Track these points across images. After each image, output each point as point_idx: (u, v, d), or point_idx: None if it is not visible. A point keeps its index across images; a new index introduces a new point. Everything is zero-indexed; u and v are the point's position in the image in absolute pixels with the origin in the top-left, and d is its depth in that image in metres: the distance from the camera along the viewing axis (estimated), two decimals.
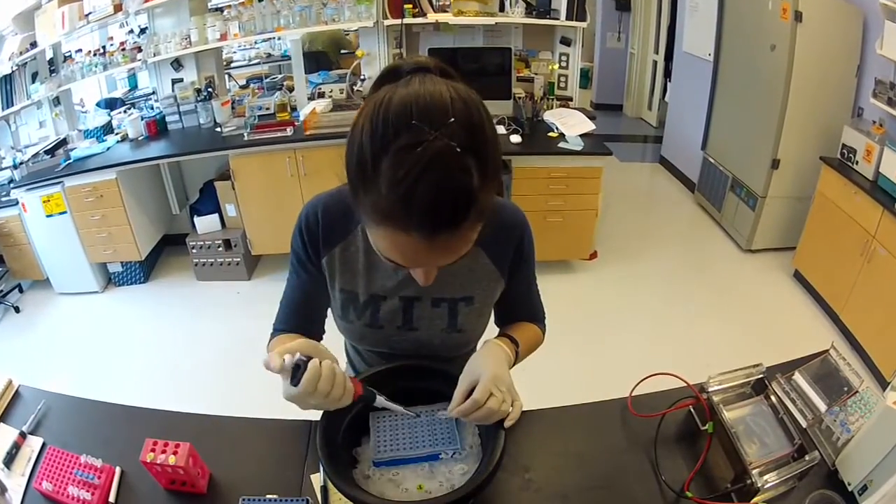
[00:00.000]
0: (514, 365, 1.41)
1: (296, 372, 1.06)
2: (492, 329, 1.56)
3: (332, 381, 1.09)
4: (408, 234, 0.95)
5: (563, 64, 5.28)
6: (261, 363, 1.07)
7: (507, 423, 1.21)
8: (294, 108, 4.93)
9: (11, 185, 4.47)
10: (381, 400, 1.22)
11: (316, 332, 1.51)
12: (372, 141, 0.93)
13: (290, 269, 1.47)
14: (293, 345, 1.11)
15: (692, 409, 1.55)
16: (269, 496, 1.33)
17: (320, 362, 1.09)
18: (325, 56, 6.37)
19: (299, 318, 1.49)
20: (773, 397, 1.46)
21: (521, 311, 1.58)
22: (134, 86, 6.16)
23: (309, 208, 1.37)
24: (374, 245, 1.06)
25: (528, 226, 1.43)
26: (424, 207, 0.91)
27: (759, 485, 1.26)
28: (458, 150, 0.91)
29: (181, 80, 5.06)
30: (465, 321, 1.42)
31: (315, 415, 1.27)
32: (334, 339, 1.54)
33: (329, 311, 1.51)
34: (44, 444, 1.49)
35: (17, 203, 4.49)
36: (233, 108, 5.09)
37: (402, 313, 1.41)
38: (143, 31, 5.08)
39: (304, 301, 1.47)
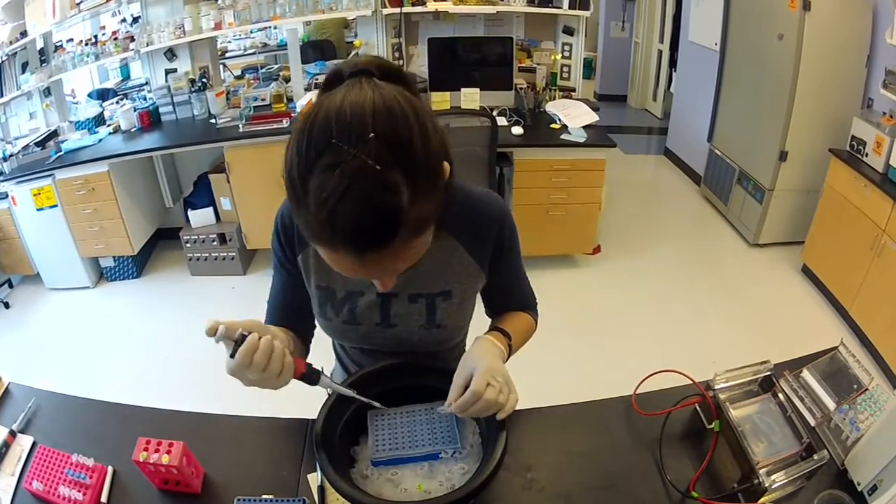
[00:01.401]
0: (509, 357, 1.41)
1: (236, 345, 1.08)
2: (481, 323, 1.55)
3: (270, 356, 1.10)
4: (336, 253, 0.97)
5: (566, 54, 5.27)
6: (228, 350, 1.08)
7: (501, 416, 1.20)
8: (290, 99, 4.91)
9: (1, 177, 4.45)
10: (326, 381, 1.22)
11: (304, 330, 1.53)
12: (299, 162, 0.95)
13: (273, 269, 1.48)
14: (239, 321, 1.12)
15: (698, 408, 1.55)
16: (265, 496, 1.33)
17: (260, 338, 1.10)
18: (330, 45, 6.37)
19: (286, 316, 1.50)
20: (780, 395, 1.46)
21: (510, 300, 1.58)
22: (126, 76, 6.15)
23: (284, 207, 1.38)
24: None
25: (507, 216, 1.41)
26: (346, 229, 0.92)
27: (767, 485, 1.26)
28: (378, 167, 0.90)
29: (175, 71, 5.05)
30: (444, 316, 1.42)
31: (312, 413, 1.27)
32: (325, 339, 1.56)
33: None
34: (34, 443, 1.49)
35: (7, 196, 4.48)
36: (227, 99, 5.07)
37: (379, 309, 1.41)
38: (135, 20, 5.06)
39: (289, 300, 1.48)
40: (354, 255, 0.95)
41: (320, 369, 1.22)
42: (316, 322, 1.50)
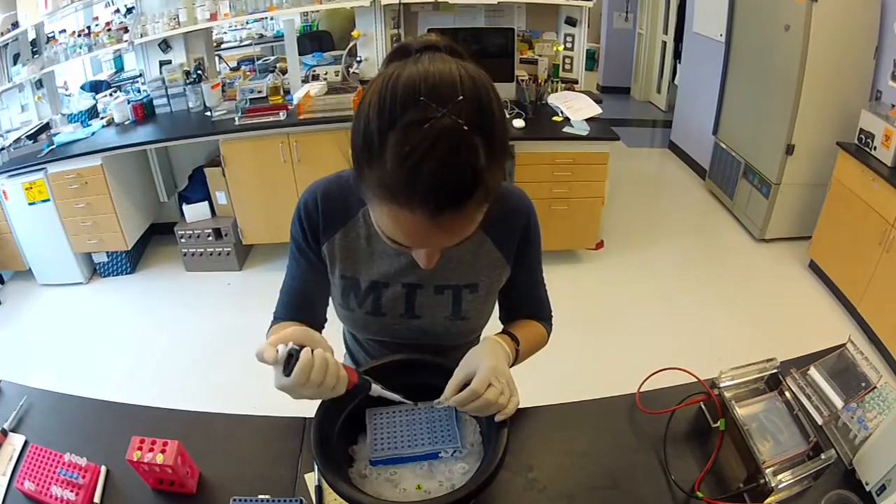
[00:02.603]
0: (514, 364, 1.40)
1: (288, 362, 1.06)
2: (494, 324, 1.55)
3: (325, 371, 1.09)
4: (412, 212, 0.96)
5: (568, 45, 5.26)
6: (253, 357, 1.07)
7: (500, 417, 1.20)
8: (287, 92, 4.91)
9: None
10: (377, 389, 1.22)
11: (317, 321, 1.52)
12: (379, 116, 0.95)
13: (289, 257, 1.47)
14: (286, 333, 1.11)
15: (703, 406, 1.55)
16: (261, 496, 1.33)
17: (312, 351, 1.09)
18: (329, 36, 6.37)
19: (300, 306, 1.50)
20: (787, 393, 1.46)
21: (526, 305, 1.58)
22: (120, 68, 6.14)
23: (308, 195, 1.38)
24: (377, 224, 1.07)
25: (533, 212, 1.44)
26: (429, 184, 0.92)
27: (773, 484, 1.25)
28: (466, 128, 0.92)
29: (169, 62, 5.03)
30: (469, 308, 1.42)
31: (310, 412, 1.27)
32: (333, 329, 1.55)
33: (330, 299, 1.51)
34: (26, 442, 1.49)
35: None
36: (223, 91, 5.07)
37: (404, 300, 1.41)
38: (129, 10, 5.05)
39: (305, 290, 1.48)
40: (431, 213, 0.95)
41: (370, 379, 1.22)
42: (336, 313, 1.50)
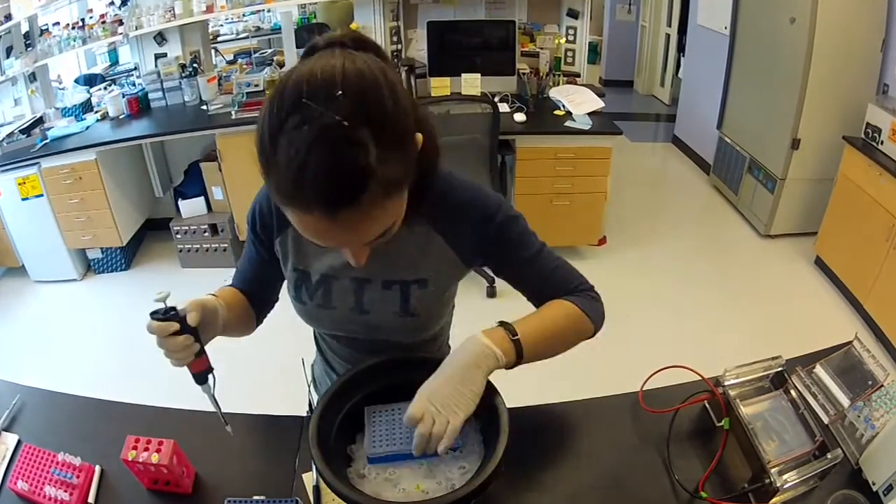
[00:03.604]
0: (530, 358, 1.31)
1: (166, 312, 1.21)
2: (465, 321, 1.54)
3: (171, 346, 1.22)
4: (310, 213, 0.99)
5: (570, 38, 5.25)
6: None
7: (440, 449, 1.15)
8: None
9: None
10: (208, 389, 1.32)
11: (264, 301, 1.61)
12: (269, 122, 0.98)
13: (247, 240, 1.53)
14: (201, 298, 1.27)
15: (707, 405, 1.55)
16: (256, 497, 1.33)
17: (183, 324, 1.21)
18: (327, 29, 6.36)
19: (251, 283, 1.57)
20: (792, 392, 1.46)
21: (541, 286, 1.48)
22: (115, 61, 6.14)
23: (261, 196, 1.44)
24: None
25: (492, 206, 1.36)
26: (316, 184, 0.95)
27: (779, 484, 1.25)
28: (346, 123, 0.94)
29: (165, 55, 5.03)
30: (418, 305, 1.41)
31: (307, 410, 1.27)
32: (306, 329, 1.59)
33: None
34: (19, 442, 1.49)
35: None
36: (219, 84, 5.07)
37: (353, 294, 1.42)
38: (124, 2, 5.04)
39: (255, 272, 1.55)
40: (327, 213, 0.98)
41: (212, 378, 1.31)
42: (292, 306, 1.50)
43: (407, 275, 1.39)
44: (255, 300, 1.56)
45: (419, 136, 1.10)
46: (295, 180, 0.95)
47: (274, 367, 2.86)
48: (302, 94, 0.96)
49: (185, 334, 1.20)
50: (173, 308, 1.19)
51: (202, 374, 1.28)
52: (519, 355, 1.28)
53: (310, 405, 1.77)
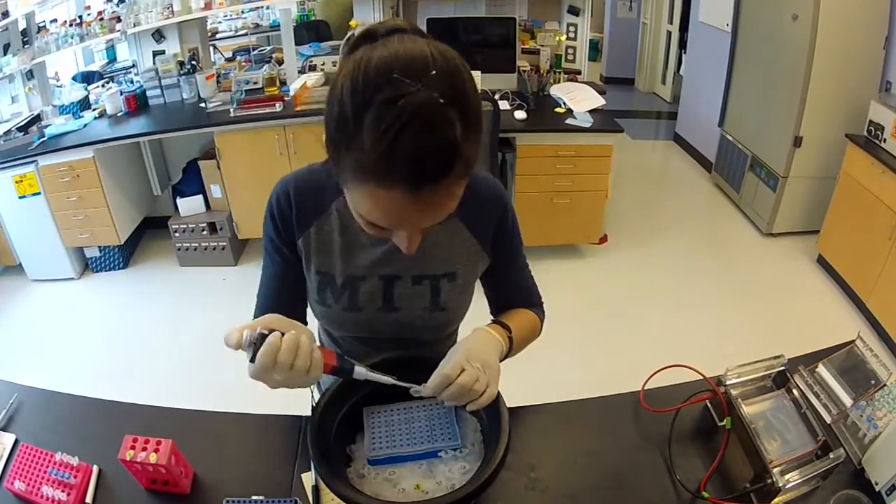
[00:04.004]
0: (511, 352, 1.40)
1: (256, 347, 1.05)
2: (472, 318, 1.54)
3: (295, 353, 1.07)
4: (391, 190, 0.97)
5: (571, 35, 5.25)
6: (245, 355, 1.07)
7: (471, 407, 1.19)
8: (283, 83, 4.90)
9: None
10: (361, 371, 1.18)
11: (297, 321, 1.50)
12: (353, 97, 0.96)
13: (264, 257, 1.47)
14: (258, 320, 1.10)
15: (709, 404, 1.55)
16: (255, 497, 1.33)
17: (283, 334, 1.07)
18: (326, 26, 6.36)
19: (279, 306, 1.45)
20: (795, 391, 1.46)
21: (514, 294, 1.57)
22: (112, 58, 6.14)
23: (279, 189, 1.39)
24: (356, 210, 1.08)
25: (508, 199, 1.44)
26: (408, 159, 0.94)
27: (781, 484, 1.25)
28: (441, 101, 0.94)
29: (163, 53, 5.02)
30: (447, 298, 1.43)
31: (306, 410, 1.27)
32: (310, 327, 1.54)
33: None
34: (16, 441, 1.49)
35: None
36: (218, 82, 5.06)
37: (381, 293, 1.41)
38: None
39: (282, 289, 1.47)
40: (410, 189, 0.96)
41: (353, 361, 1.18)
42: (312, 310, 1.49)
43: (437, 269, 1.41)
44: None
45: None
46: (385, 154, 0.93)
47: None
48: (392, 70, 0.95)
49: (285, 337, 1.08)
50: (261, 333, 1.06)
51: (341, 364, 1.16)
52: (507, 353, 1.37)
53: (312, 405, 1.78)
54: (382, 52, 0.98)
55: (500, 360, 1.32)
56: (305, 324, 1.50)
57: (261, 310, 1.48)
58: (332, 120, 1.01)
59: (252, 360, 1.05)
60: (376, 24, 1.09)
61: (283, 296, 1.47)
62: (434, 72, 0.96)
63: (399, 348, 1.41)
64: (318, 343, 1.17)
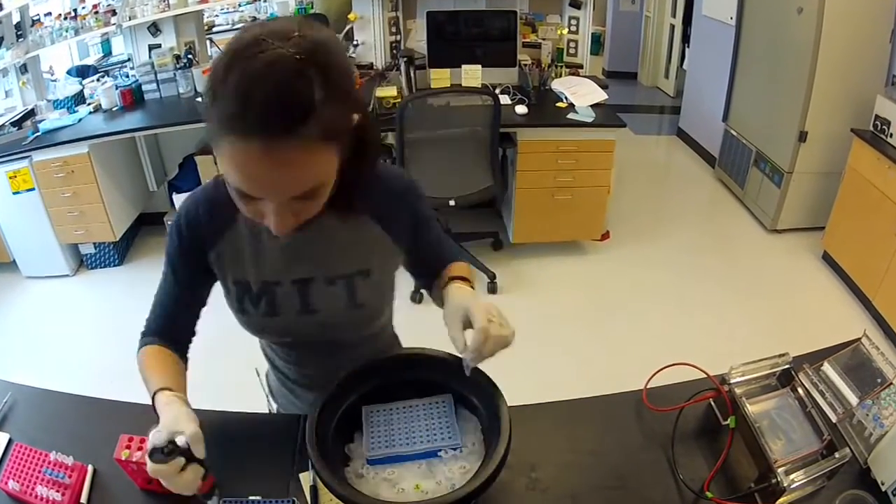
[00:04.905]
0: None
1: (163, 450, 1.13)
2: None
3: (177, 483, 1.15)
4: (247, 142, 1.00)
5: (573, 28, 5.24)
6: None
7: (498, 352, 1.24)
8: None
9: None
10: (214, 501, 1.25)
11: (187, 336, 1.56)
12: (224, 56, 1.03)
13: (163, 272, 1.50)
14: (166, 424, 1.18)
15: (712, 403, 1.55)
16: (252, 497, 1.33)
17: (186, 462, 1.15)
18: (324, 19, 6.35)
19: (172, 320, 1.53)
20: (800, 390, 1.46)
21: (442, 259, 1.59)
22: (108, 52, 6.12)
23: (189, 205, 1.41)
24: (227, 178, 1.10)
25: (418, 189, 1.48)
26: (260, 106, 0.98)
27: (785, 484, 1.25)
28: (298, 56, 1.00)
29: (159, 46, 5.03)
30: (364, 295, 1.44)
31: (305, 409, 1.27)
32: (251, 337, 1.57)
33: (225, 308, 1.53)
34: (10, 441, 1.49)
35: None
36: None
37: (298, 297, 1.43)
38: None
39: (177, 304, 1.51)
40: (265, 141, 0.99)
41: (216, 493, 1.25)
42: (236, 320, 1.51)
43: (349, 267, 1.42)
44: (180, 343, 1.54)
45: (355, 115, 1.14)
46: (241, 102, 0.98)
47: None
48: (260, 35, 1.01)
49: (191, 465, 1.16)
50: (172, 442, 1.14)
51: (211, 490, 1.23)
52: None
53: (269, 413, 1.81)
54: (260, 24, 1.06)
55: None
56: (192, 339, 1.58)
57: (152, 319, 1.56)
58: (207, 82, 1.06)
59: (155, 461, 1.12)
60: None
61: (174, 311, 1.53)
62: (298, 34, 1.02)
63: (327, 351, 1.46)
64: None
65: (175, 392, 1.30)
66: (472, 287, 1.43)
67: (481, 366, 1.27)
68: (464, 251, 1.32)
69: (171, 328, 1.52)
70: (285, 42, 1.00)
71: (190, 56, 4.96)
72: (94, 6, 4.82)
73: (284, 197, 1.11)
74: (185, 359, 1.54)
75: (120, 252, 5.05)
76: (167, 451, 1.12)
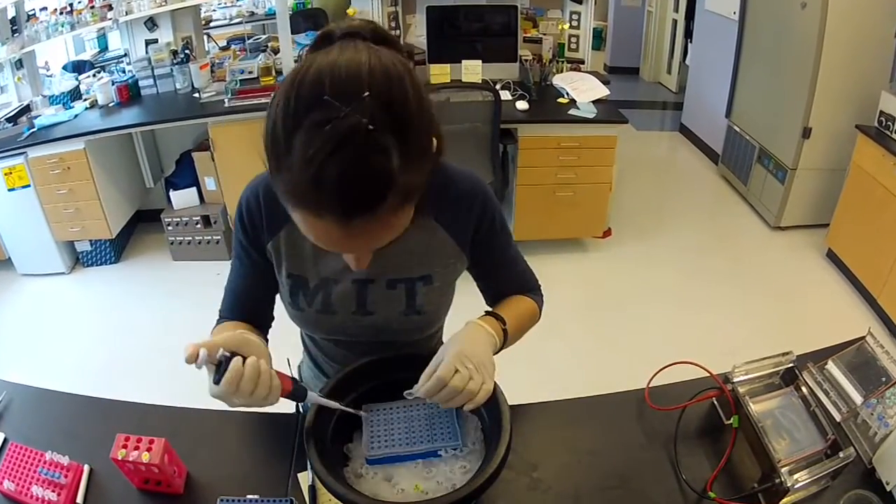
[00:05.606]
0: (506, 343, 1.39)
1: (218, 369, 1.07)
2: (462, 311, 1.54)
3: (256, 381, 1.09)
4: (321, 218, 0.96)
5: (575, 23, 5.23)
6: (210, 374, 1.07)
7: (468, 407, 1.18)
8: (279, 72, 4.88)
9: None
10: (312, 396, 1.21)
11: (263, 321, 1.53)
12: (285, 117, 0.94)
13: (233, 255, 1.48)
14: (220, 339, 1.11)
15: (715, 402, 1.55)
16: (249, 497, 1.33)
17: (244, 360, 1.09)
18: (323, 14, 6.35)
19: (245, 306, 1.50)
20: (803, 388, 1.45)
21: (507, 283, 1.56)
22: (104, 47, 6.13)
23: (248, 192, 1.37)
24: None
25: (488, 193, 1.41)
26: (334, 190, 0.91)
27: (789, 484, 1.25)
28: (371, 127, 0.90)
29: (156, 41, 5.01)
30: (424, 302, 1.42)
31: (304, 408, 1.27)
32: (292, 328, 1.55)
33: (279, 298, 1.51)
34: (5, 440, 1.49)
35: None
36: (212, 71, 5.06)
37: (355, 297, 1.40)
38: None
39: (249, 289, 1.48)
40: (341, 219, 0.95)
41: (305, 387, 1.21)
42: (287, 312, 1.48)
43: (412, 272, 1.39)
44: (256, 322, 1.49)
45: (435, 138, 1.07)
46: (311, 183, 0.91)
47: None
48: (324, 90, 0.91)
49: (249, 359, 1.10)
50: (224, 356, 1.08)
51: (295, 390, 1.19)
52: (502, 344, 1.37)
53: (297, 407, 1.78)
54: (321, 63, 0.95)
55: (495, 353, 1.32)
56: (271, 324, 1.54)
57: (227, 304, 1.50)
58: (267, 136, 0.98)
59: (217, 381, 1.06)
60: (333, 26, 1.07)
61: (248, 295, 1.49)
62: (367, 94, 0.92)
63: (377, 351, 1.40)
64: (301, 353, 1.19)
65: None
66: (500, 329, 1.36)
67: None
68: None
69: (243, 314, 1.48)
70: (355, 103, 0.90)
71: (187, 51, 4.96)
72: (91, 1, 4.81)
73: (363, 254, 1.12)
74: (265, 338, 1.50)
75: (116, 249, 5.05)
76: (219, 369, 1.07)
